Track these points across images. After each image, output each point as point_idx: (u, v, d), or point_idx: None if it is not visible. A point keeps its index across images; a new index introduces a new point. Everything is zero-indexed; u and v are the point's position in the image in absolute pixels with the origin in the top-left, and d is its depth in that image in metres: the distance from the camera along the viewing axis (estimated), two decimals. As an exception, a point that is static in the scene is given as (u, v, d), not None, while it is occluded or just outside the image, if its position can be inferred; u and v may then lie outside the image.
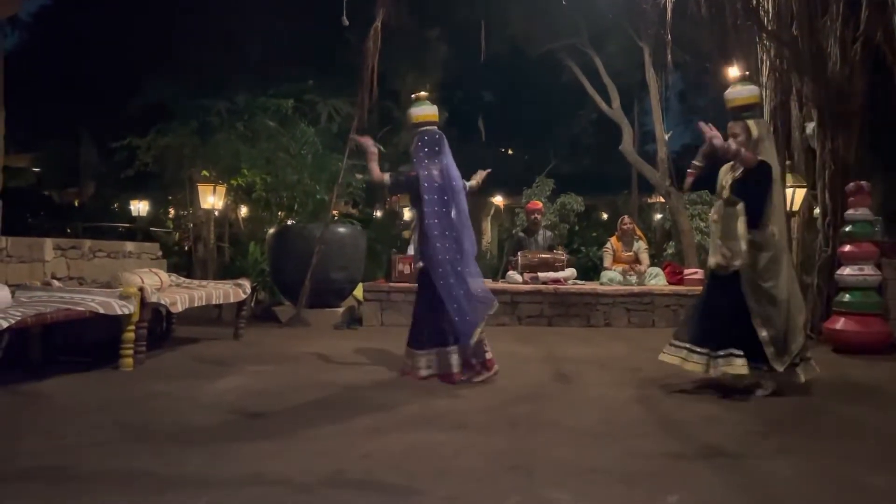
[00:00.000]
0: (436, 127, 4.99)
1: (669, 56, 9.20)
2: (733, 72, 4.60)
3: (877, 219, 6.55)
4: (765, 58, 7.71)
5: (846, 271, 6.26)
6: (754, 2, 7.44)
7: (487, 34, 11.02)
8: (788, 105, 7.75)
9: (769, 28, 7.41)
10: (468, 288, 4.74)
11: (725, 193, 4.42)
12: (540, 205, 9.75)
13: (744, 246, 4.25)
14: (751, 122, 4.38)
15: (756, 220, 4.29)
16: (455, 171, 4.89)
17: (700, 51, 9.99)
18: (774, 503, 2.57)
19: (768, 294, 4.29)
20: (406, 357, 4.89)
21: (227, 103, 11.00)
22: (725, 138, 4.35)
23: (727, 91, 4.60)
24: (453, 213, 4.79)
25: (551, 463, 2.97)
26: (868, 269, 6.18)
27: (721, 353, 4.28)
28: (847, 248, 6.32)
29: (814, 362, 4.48)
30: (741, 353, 4.23)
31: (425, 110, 4.97)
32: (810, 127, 7.47)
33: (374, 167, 5.04)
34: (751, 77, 4.63)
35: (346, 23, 7.80)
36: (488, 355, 4.77)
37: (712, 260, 4.47)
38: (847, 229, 6.37)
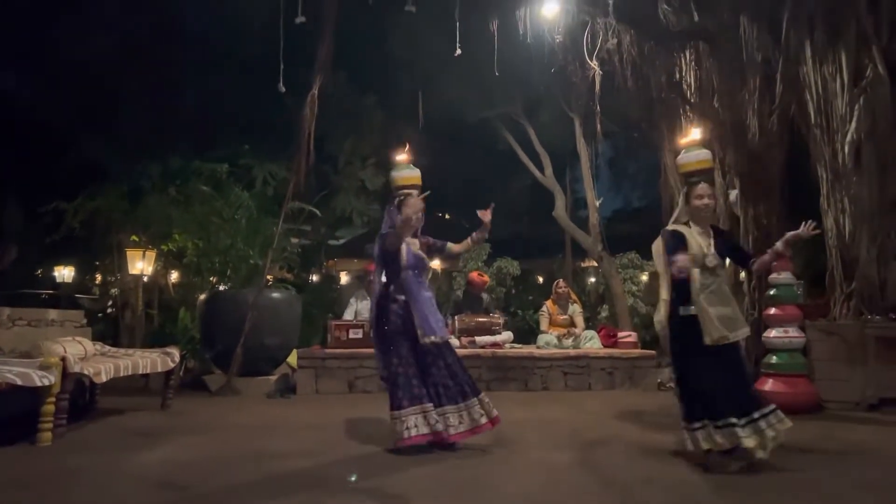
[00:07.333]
0: (416, 191, 4.84)
1: (599, 126, 9.56)
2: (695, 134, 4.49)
3: (799, 282, 6.79)
4: (688, 128, 8.08)
5: (772, 333, 6.45)
6: (678, 76, 7.86)
7: (424, 101, 11.25)
8: (712, 173, 8.09)
9: (692, 101, 7.80)
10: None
11: (712, 261, 4.09)
12: (486, 280, 9.81)
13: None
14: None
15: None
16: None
17: (627, 121, 10.42)
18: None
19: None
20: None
21: (160, 167, 10.82)
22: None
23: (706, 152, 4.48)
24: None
25: (493, 532, 2.91)
26: (793, 332, 6.39)
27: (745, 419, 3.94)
28: (772, 310, 6.53)
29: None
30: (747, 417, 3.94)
31: (407, 174, 4.88)
32: (733, 194, 7.80)
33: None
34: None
35: (283, 90, 7.87)
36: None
37: (716, 334, 3.94)
38: (771, 293, 6.59)
